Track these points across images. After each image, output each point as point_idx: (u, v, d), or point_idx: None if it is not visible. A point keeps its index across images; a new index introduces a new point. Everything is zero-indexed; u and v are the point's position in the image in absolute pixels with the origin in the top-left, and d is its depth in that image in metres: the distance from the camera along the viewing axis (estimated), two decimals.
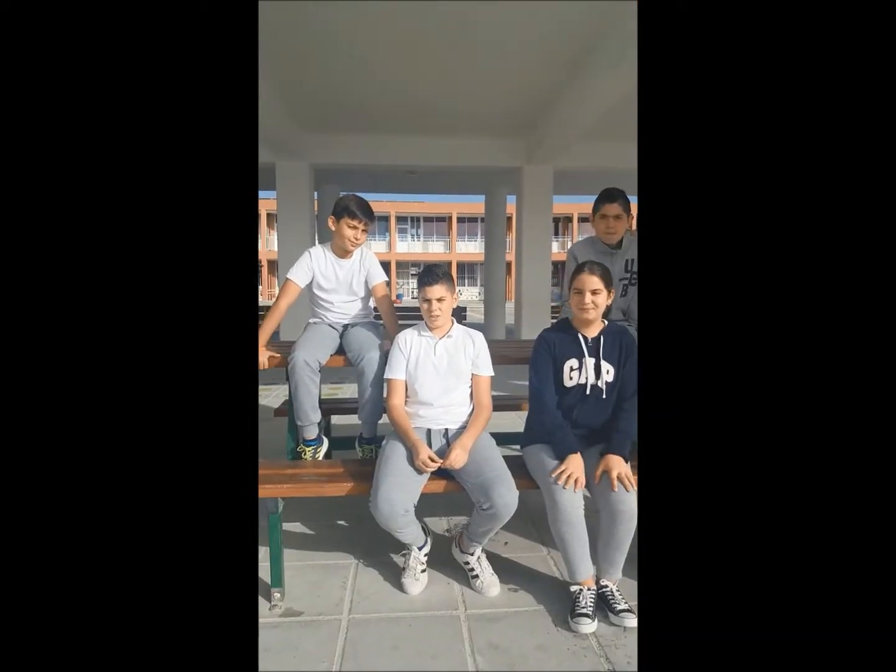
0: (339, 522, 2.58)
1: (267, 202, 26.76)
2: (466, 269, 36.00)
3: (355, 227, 2.31)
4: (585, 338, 2.07)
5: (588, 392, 2.04)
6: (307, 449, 2.32)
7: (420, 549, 2.04)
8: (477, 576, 2.01)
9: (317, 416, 2.31)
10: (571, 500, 1.81)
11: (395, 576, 2.09)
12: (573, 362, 2.05)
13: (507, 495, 1.81)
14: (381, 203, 32.40)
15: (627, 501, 1.80)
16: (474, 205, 31.73)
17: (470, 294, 35.17)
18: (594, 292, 1.99)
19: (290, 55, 4.60)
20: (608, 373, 2.05)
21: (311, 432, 2.32)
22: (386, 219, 34.34)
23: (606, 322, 2.13)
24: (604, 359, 2.05)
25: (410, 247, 35.48)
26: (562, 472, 1.85)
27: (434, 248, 35.43)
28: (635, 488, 1.83)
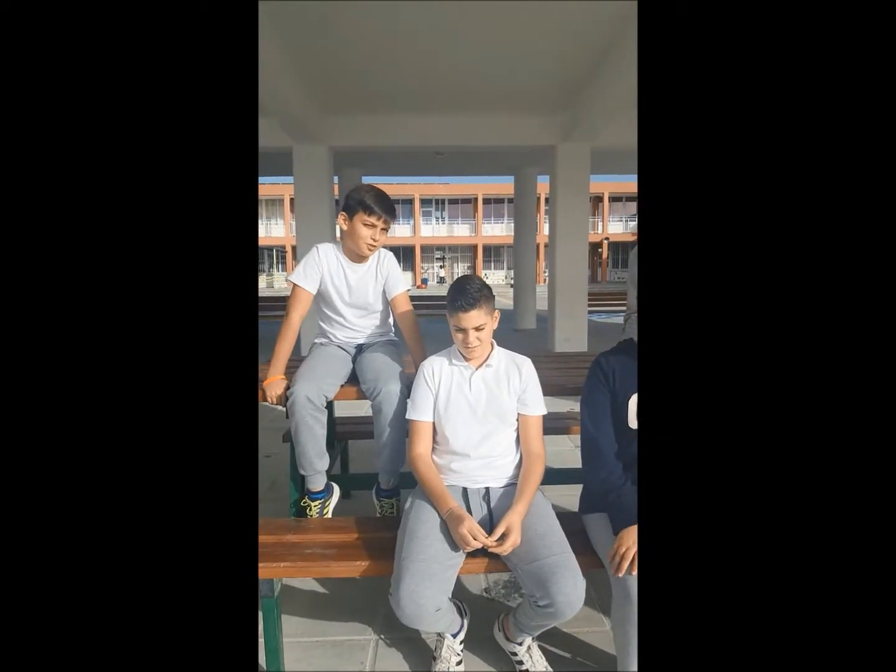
0: (357, 577, 2.17)
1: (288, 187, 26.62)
2: (493, 253, 35.24)
3: (373, 226, 1.86)
4: None
5: None
6: (312, 504, 1.89)
7: (455, 636, 1.61)
8: (527, 670, 1.58)
9: (324, 463, 1.87)
10: None
11: (423, 662, 1.67)
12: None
13: (572, 591, 1.32)
14: (404, 186, 31.84)
15: None
16: (501, 185, 30.85)
17: (496, 278, 34.43)
18: None
19: (306, 32, 4.12)
20: None
21: (317, 483, 1.89)
22: (410, 202, 33.71)
23: None
24: None
25: (435, 230, 34.81)
26: (615, 554, 1.34)
27: (459, 232, 34.72)
28: None
